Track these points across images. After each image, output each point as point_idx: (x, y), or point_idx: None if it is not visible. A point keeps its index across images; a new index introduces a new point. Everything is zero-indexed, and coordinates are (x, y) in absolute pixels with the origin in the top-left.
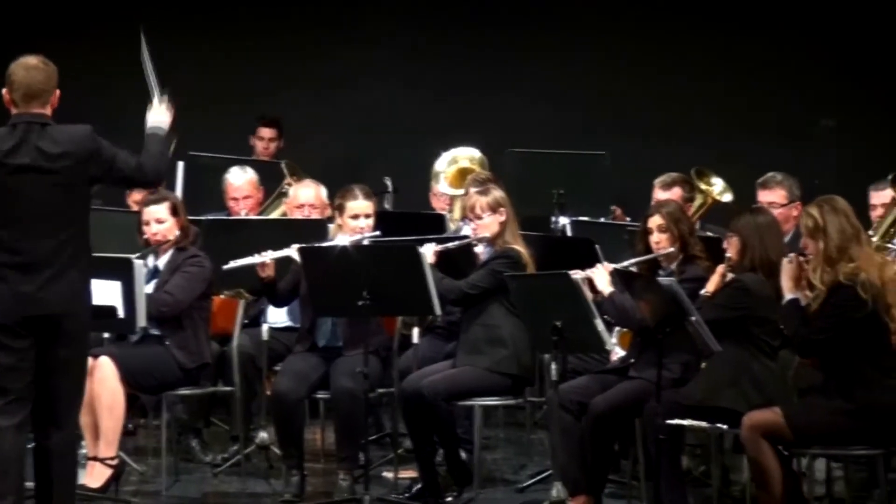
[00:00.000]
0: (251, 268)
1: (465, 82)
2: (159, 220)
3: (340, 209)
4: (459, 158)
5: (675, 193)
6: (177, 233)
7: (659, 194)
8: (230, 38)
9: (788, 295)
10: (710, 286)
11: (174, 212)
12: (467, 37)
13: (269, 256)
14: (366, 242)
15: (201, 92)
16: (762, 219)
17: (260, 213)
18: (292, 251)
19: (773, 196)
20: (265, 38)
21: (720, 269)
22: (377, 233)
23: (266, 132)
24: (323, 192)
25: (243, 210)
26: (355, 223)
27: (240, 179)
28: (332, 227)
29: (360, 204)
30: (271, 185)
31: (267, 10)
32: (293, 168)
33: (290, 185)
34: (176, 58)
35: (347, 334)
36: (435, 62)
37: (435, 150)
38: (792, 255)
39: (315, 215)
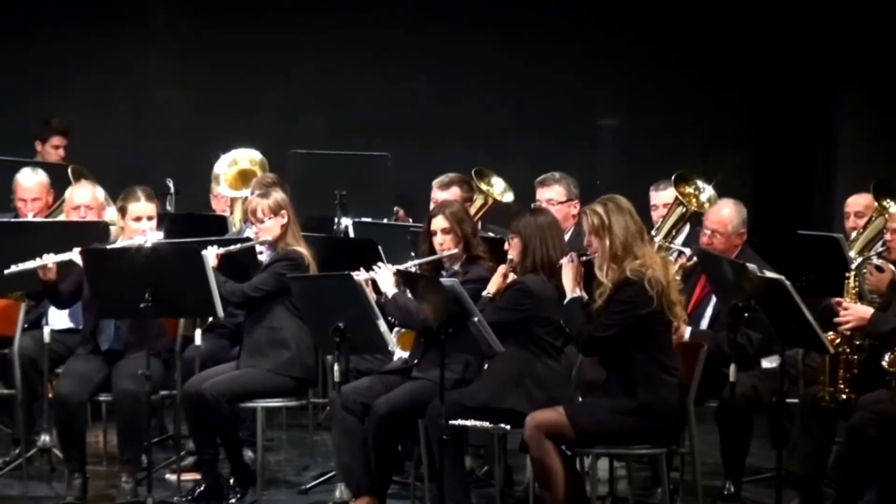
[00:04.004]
0: (32, 271)
1: (245, 82)
2: None
3: (123, 211)
4: (239, 160)
5: (454, 193)
6: None
7: (437, 195)
8: (9, 38)
9: (570, 294)
10: (492, 287)
11: None
12: (249, 35)
13: (50, 260)
14: (149, 244)
15: None
16: (543, 219)
17: (47, 217)
18: (74, 254)
19: (550, 193)
20: (44, 38)
21: (501, 269)
22: (160, 234)
23: (53, 139)
24: (100, 192)
25: (31, 212)
26: (138, 225)
27: (30, 181)
28: (113, 229)
29: (142, 206)
30: (59, 189)
31: (45, 9)
32: (80, 173)
33: None
34: None
35: (130, 337)
36: (214, 62)
37: (216, 150)
38: (572, 254)
39: (91, 216)
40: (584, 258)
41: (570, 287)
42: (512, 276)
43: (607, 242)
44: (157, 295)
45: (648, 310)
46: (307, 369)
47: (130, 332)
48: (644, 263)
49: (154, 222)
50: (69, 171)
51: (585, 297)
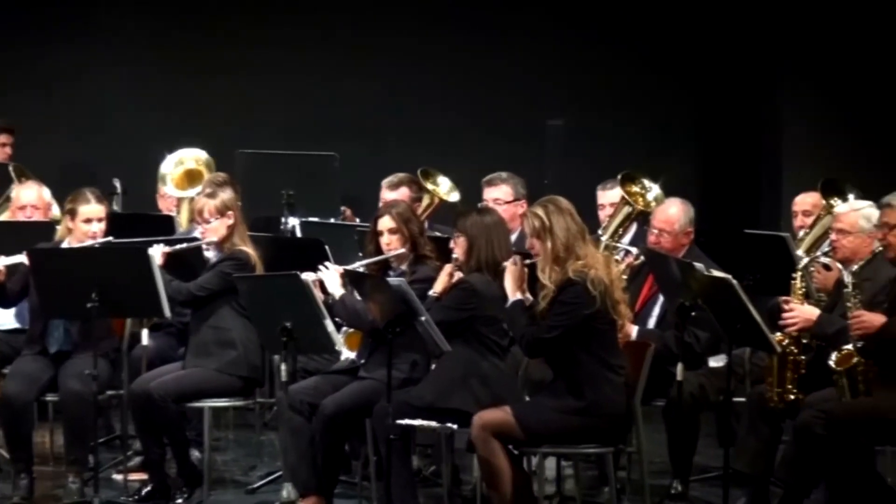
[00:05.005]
0: None
1: (192, 82)
2: None
3: (72, 213)
4: (186, 160)
5: (403, 194)
6: None
7: (386, 195)
8: None
9: (511, 297)
10: (438, 286)
11: None
12: (195, 35)
13: (1, 263)
14: (97, 245)
15: None
16: (489, 219)
17: None
18: (24, 257)
19: (497, 193)
20: None
21: (447, 268)
22: (110, 238)
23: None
24: (46, 192)
25: None
26: (88, 227)
27: None
28: (59, 229)
29: (92, 208)
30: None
31: None
32: (21, 171)
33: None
34: None
35: (78, 338)
36: (162, 60)
37: (163, 150)
38: (516, 257)
39: (38, 216)
40: (528, 262)
41: (512, 290)
42: (458, 275)
43: (549, 244)
44: (103, 295)
45: (592, 310)
46: (254, 369)
47: (79, 334)
48: (586, 264)
49: (104, 224)
50: (10, 169)
51: (530, 299)
